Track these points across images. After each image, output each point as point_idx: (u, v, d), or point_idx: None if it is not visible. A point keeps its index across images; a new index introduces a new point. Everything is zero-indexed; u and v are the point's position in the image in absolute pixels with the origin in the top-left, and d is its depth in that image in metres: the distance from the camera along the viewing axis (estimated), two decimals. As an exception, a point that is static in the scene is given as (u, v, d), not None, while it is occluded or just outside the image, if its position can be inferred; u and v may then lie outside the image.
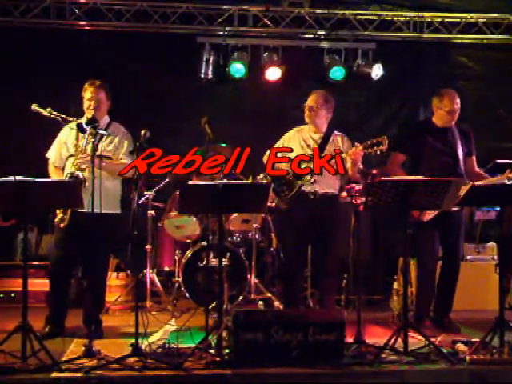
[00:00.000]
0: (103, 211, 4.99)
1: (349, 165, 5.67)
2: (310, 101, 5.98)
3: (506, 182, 5.19)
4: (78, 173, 5.33)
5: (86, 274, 5.84)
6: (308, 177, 5.80)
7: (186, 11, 8.12)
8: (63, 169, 5.62)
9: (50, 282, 5.58)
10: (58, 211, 5.38)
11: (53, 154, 5.71)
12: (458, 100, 5.92)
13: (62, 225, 5.36)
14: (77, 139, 5.48)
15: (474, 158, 6.06)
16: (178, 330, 5.27)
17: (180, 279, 6.66)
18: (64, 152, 5.62)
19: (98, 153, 5.19)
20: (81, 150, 5.39)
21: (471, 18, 8.39)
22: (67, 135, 5.62)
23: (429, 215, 5.72)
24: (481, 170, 6.12)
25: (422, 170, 5.76)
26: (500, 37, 8.47)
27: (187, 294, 6.57)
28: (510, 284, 7.05)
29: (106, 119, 5.66)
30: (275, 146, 6.13)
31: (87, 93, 5.56)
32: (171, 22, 8.12)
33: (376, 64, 8.25)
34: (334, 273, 6.10)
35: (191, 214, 6.71)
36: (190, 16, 8.17)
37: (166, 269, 7.37)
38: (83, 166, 5.35)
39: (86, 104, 5.56)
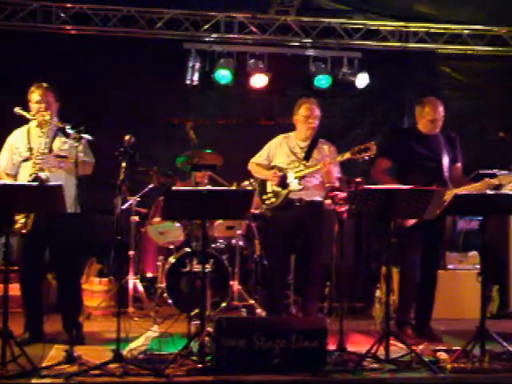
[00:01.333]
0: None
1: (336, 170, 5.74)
2: (311, 110, 5.96)
3: (488, 192, 5.21)
4: (41, 174, 5.24)
5: (57, 277, 5.76)
6: (296, 183, 5.82)
7: (173, 17, 8.13)
8: (16, 175, 5.47)
9: (20, 289, 5.51)
10: (18, 217, 5.17)
11: (3, 160, 5.53)
12: (441, 108, 5.94)
13: (24, 230, 5.21)
14: (29, 142, 5.42)
15: (459, 164, 6.08)
16: (160, 336, 5.25)
17: (163, 285, 6.63)
18: (16, 158, 5.46)
19: (53, 153, 5.21)
20: (42, 152, 5.31)
21: (456, 29, 8.48)
22: (18, 140, 5.49)
23: (411, 221, 5.75)
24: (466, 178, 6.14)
25: (407, 175, 5.79)
26: (483, 48, 8.56)
27: (170, 301, 6.53)
28: (492, 293, 7.10)
29: (56, 121, 5.54)
30: (260, 152, 6.14)
31: (34, 95, 5.41)
32: (158, 28, 8.13)
33: (361, 73, 8.29)
34: (318, 280, 6.11)
35: (175, 220, 6.69)
36: (177, 22, 8.18)
37: (149, 275, 7.34)
38: (46, 166, 5.26)
39: (34, 107, 5.40)
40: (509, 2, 7.43)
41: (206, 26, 8.19)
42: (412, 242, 5.86)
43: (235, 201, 5.03)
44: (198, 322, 5.06)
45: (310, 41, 8.37)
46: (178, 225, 6.83)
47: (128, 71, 8.09)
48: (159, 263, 6.96)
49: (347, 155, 5.60)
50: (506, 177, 5.48)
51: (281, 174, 5.91)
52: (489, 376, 4.74)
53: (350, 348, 5.11)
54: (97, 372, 4.48)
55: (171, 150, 7.47)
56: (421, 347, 5.19)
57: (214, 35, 8.23)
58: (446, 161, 5.94)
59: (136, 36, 8.14)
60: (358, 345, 5.35)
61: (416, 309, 6.02)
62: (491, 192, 5.17)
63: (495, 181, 5.46)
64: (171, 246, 6.98)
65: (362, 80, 8.30)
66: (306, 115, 5.94)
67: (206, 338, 4.82)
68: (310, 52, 8.40)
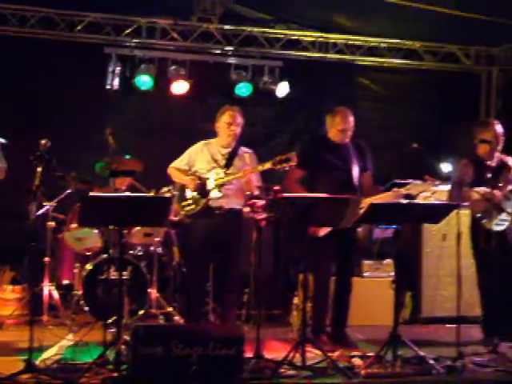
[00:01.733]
0: None
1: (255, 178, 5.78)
2: (233, 117, 5.98)
3: (402, 201, 5.36)
4: None
5: None
6: (216, 191, 5.83)
7: (94, 21, 8.02)
8: None
9: None
10: None
11: None
12: (351, 118, 6.03)
13: None
14: None
15: (369, 172, 6.18)
16: (75, 344, 5.15)
17: (79, 293, 6.52)
18: None
19: None
20: None
21: (373, 41, 8.69)
22: None
23: (323, 230, 5.82)
24: (378, 186, 6.28)
25: (317, 184, 5.88)
26: (399, 61, 8.82)
27: (86, 308, 6.43)
28: (405, 299, 7.29)
29: None
30: (181, 157, 6.12)
31: None
32: (78, 31, 8.00)
33: (282, 82, 8.38)
34: (236, 288, 6.13)
35: (92, 227, 6.59)
36: (98, 26, 8.07)
37: (66, 282, 7.18)
38: None
39: None
40: (422, 19, 7.66)
41: (128, 31, 8.11)
42: (325, 251, 5.93)
43: (153, 207, 5.00)
44: (115, 330, 4.99)
45: (231, 49, 8.40)
46: (95, 231, 6.73)
47: (47, 74, 7.93)
48: (76, 270, 6.84)
49: (268, 165, 5.63)
50: (414, 186, 5.62)
51: (200, 181, 5.90)
52: (400, 380, 4.87)
53: (268, 355, 5.14)
54: (8, 383, 4.35)
55: (90, 155, 7.35)
56: (336, 354, 5.29)
57: (136, 40, 8.15)
58: (355, 170, 6.04)
59: (55, 39, 7.97)
60: (276, 352, 5.38)
61: (331, 316, 6.12)
62: (405, 201, 5.32)
63: (403, 190, 5.60)
64: (88, 253, 6.87)
65: (282, 89, 8.39)
66: (228, 122, 5.96)
67: (123, 347, 4.76)
68: (232, 60, 8.44)
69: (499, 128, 6.11)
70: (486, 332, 6.07)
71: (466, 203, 5.86)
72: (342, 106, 6.15)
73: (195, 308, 6.10)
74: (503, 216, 5.80)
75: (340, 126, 5.99)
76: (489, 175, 5.82)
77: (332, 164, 6.01)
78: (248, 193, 5.81)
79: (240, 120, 6.00)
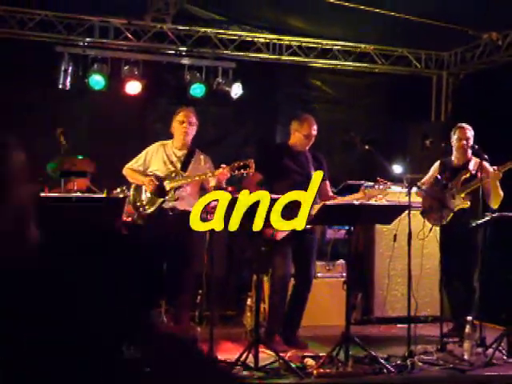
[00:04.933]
0: None
1: (212, 184, 5.76)
2: (186, 116, 5.99)
3: (355, 202, 5.42)
4: None
5: None
6: (172, 193, 5.81)
7: (45, 19, 7.89)
8: None
9: None
10: None
11: None
12: (315, 126, 6.14)
13: None
14: None
15: (327, 182, 6.27)
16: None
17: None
18: None
19: None
20: None
21: (326, 44, 8.75)
22: None
23: (282, 234, 5.86)
24: (334, 194, 6.35)
25: (277, 189, 5.91)
26: (352, 63, 8.90)
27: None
28: (357, 300, 7.37)
29: None
30: (136, 158, 6.08)
31: None
32: (29, 29, 7.87)
33: (236, 83, 8.39)
34: (190, 289, 6.12)
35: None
36: (49, 24, 7.95)
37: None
38: None
39: None
40: (375, 22, 7.76)
41: (80, 30, 8.02)
42: (282, 252, 5.97)
43: (105, 209, 4.96)
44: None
45: (185, 49, 8.38)
46: (46, 233, 6.63)
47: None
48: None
49: (225, 170, 5.65)
50: (374, 190, 5.72)
51: (157, 182, 5.87)
52: (352, 379, 4.94)
53: (221, 356, 5.16)
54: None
55: (42, 155, 7.24)
56: (289, 354, 5.33)
57: (88, 39, 8.06)
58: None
59: (5, 37, 7.83)
60: (229, 353, 5.41)
61: (286, 317, 6.14)
62: (357, 202, 5.39)
63: (367, 192, 5.69)
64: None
65: (236, 90, 8.39)
66: (181, 120, 5.99)
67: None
68: (186, 61, 8.40)
69: (469, 132, 6.40)
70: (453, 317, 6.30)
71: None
72: (307, 114, 6.32)
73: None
74: (444, 213, 6.02)
75: (306, 132, 6.07)
76: (448, 175, 6.07)
77: (292, 169, 6.07)
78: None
79: (194, 120, 6.01)
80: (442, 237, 6.27)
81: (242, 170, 5.60)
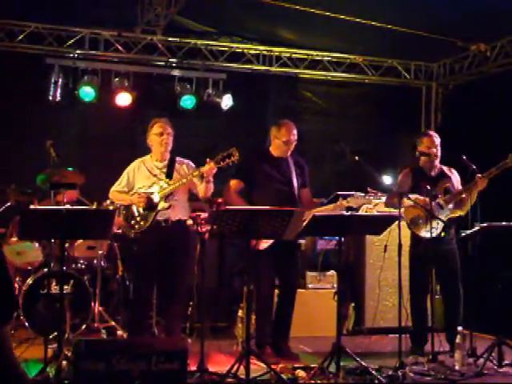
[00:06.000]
0: None
1: (201, 186, 5.74)
2: (163, 128, 5.96)
3: (345, 213, 5.42)
4: None
5: None
6: (163, 203, 5.79)
7: (35, 31, 7.89)
8: None
9: None
10: None
11: None
12: (295, 131, 6.13)
13: None
14: None
15: (307, 189, 6.28)
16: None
17: (19, 308, 6.38)
18: None
19: None
20: None
21: (317, 55, 8.79)
22: None
23: (265, 244, 5.85)
24: (316, 202, 6.35)
25: (258, 197, 5.92)
26: (341, 74, 8.94)
27: (26, 324, 6.30)
28: (348, 310, 7.37)
29: None
30: (119, 179, 6.04)
31: None
32: (19, 41, 7.87)
33: (226, 94, 8.41)
34: (182, 300, 6.10)
35: (32, 240, 6.47)
36: (39, 36, 7.95)
37: (5, 297, 7.02)
38: None
39: None
40: (365, 33, 7.80)
41: (70, 42, 8.02)
42: (266, 264, 5.96)
43: (96, 220, 4.94)
44: (56, 346, 4.91)
45: (175, 61, 8.39)
46: (36, 245, 6.62)
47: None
48: (16, 285, 6.70)
49: (211, 164, 5.65)
50: (355, 199, 5.71)
51: (146, 196, 5.84)
52: (343, 391, 4.93)
53: (212, 368, 5.14)
54: None
55: (31, 167, 7.22)
56: (280, 366, 5.31)
57: (78, 51, 8.06)
58: (295, 184, 6.12)
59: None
60: (220, 365, 5.38)
61: (274, 328, 6.13)
62: (347, 213, 5.39)
63: (345, 203, 5.70)
64: (29, 267, 6.74)
65: (226, 101, 8.41)
66: (158, 132, 5.96)
67: (64, 362, 4.69)
68: (176, 72, 8.41)
69: (437, 140, 6.29)
70: (412, 340, 6.20)
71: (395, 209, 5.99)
72: (286, 119, 6.23)
73: (139, 321, 6.03)
74: (434, 224, 5.92)
75: (284, 138, 6.06)
76: (427, 185, 5.96)
77: (273, 177, 6.07)
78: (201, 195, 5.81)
79: (170, 130, 6.00)
80: (417, 249, 6.14)
81: (226, 160, 5.61)
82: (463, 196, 6.08)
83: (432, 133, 6.50)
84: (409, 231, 6.19)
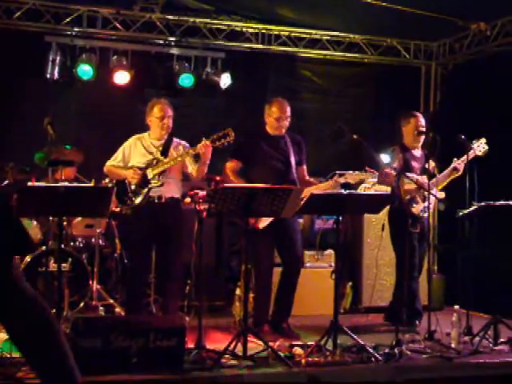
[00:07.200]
0: None
1: (195, 166, 5.74)
2: (164, 111, 5.95)
3: (343, 191, 5.42)
4: None
5: None
6: (156, 179, 5.80)
7: (33, 8, 7.83)
8: None
9: None
10: None
11: None
12: (288, 109, 6.12)
13: None
14: None
15: (304, 167, 6.29)
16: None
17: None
18: None
19: None
20: None
21: (316, 34, 8.74)
22: None
23: (264, 222, 5.86)
24: (312, 179, 6.34)
25: (256, 175, 5.91)
26: (340, 53, 8.89)
27: (25, 301, 6.31)
28: (346, 289, 7.40)
29: None
30: (115, 154, 6.04)
31: None
32: (16, 19, 7.81)
33: (224, 73, 8.38)
34: (179, 278, 6.11)
35: (30, 218, 6.48)
36: (37, 13, 7.89)
37: (4, 274, 7.05)
38: None
39: None
40: (364, 12, 7.76)
41: (68, 20, 7.97)
42: (265, 241, 5.97)
43: (94, 198, 4.94)
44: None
45: (174, 39, 8.35)
46: (35, 223, 6.62)
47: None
48: (14, 263, 6.71)
49: (207, 142, 5.65)
50: (352, 175, 5.71)
51: (140, 172, 5.85)
52: (340, 368, 4.96)
53: (209, 346, 5.16)
54: None
55: (29, 145, 7.21)
56: (277, 343, 5.35)
57: (76, 29, 8.01)
58: (293, 162, 6.13)
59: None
60: (218, 342, 5.41)
61: (275, 306, 6.16)
62: (345, 192, 5.39)
63: (341, 179, 5.70)
64: (27, 245, 6.75)
65: (225, 80, 8.38)
66: (160, 116, 5.94)
67: (62, 339, 4.70)
68: (174, 51, 8.37)
69: (423, 121, 6.43)
70: (387, 317, 6.30)
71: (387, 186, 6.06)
72: (279, 97, 6.22)
73: (137, 299, 6.05)
74: (427, 203, 5.99)
75: (275, 115, 6.07)
76: (415, 164, 6.00)
77: (270, 155, 6.06)
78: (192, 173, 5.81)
79: (171, 112, 5.99)
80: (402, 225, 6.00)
81: (222, 140, 5.62)
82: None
83: (418, 113, 6.57)
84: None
